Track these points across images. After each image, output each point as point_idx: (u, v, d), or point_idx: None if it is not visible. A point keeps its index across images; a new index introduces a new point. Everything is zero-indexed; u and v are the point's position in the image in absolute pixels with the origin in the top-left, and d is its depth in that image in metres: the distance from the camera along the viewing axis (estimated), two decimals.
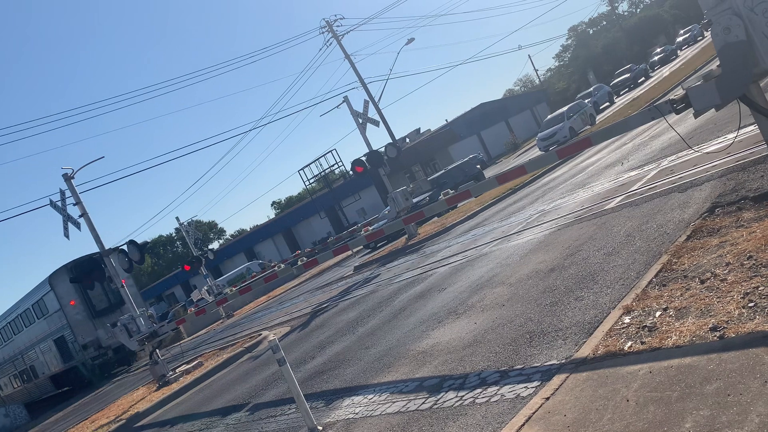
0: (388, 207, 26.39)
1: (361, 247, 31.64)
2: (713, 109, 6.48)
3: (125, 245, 17.32)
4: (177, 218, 42.87)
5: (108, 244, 17.74)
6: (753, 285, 5.31)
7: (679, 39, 63.17)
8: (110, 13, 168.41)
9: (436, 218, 27.53)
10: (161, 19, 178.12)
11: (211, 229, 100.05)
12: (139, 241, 17.58)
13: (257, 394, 10.96)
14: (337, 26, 35.85)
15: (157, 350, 17.78)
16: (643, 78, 52.32)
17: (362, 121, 26.28)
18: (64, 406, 30.80)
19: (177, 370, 17.70)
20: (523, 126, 71.16)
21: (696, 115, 6.35)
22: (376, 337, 10.70)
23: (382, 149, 26.17)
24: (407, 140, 57.23)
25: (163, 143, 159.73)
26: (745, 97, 5.96)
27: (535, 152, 38.48)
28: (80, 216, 17.73)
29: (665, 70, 48.55)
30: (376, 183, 49.14)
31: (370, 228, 22.00)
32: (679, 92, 6.47)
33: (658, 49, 61.54)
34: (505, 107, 71.51)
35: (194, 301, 37.78)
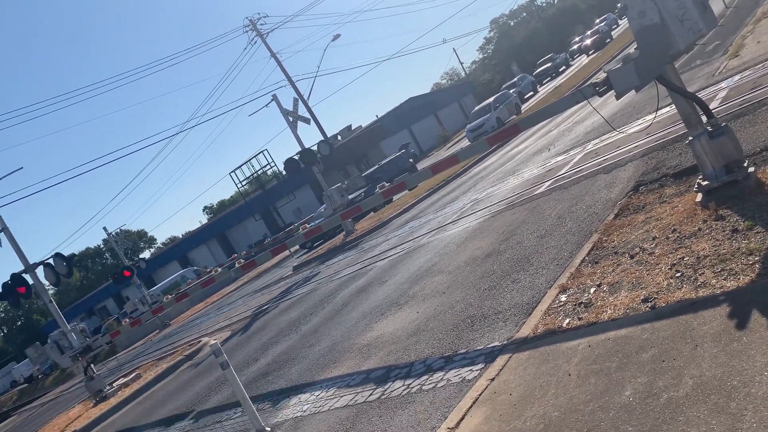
0: (324, 205, 26.30)
1: (298, 247, 31.40)
2: (633, 93, 6.74)
3: (51, 258, 16.60)
4: (104, 228, 41.46)
5: (32, 259, 16.96)
6: (678, 256, 5.57)
7: (600, 25, 65.34)
8: (23, 17, 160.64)
9: (372, 213, 27.61)
10: (77, 23, 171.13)
11: (140, 238, 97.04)
12: (66, 254, 16.88)
13: (201, 402, 10.73)
14: (261, 24, 35.37)
15: (92, 365, 17.13)
16: (564, 67, 53.93)
17: (293, 119, 26.06)
18: None
19: (114, 384, 17.12)
20: (452, 118, 72.12)
21: (617, 97, 6.58)
22: (319, 335, 10.64)
23: (315, 147, 26.03)
24: (339, 137, 57.00)
25: (85, 150, 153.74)
26: (662, 78, 6.22)
27: (465, 143, 39.09)
28: (0, 231, 16.87)
29: (584, 59, 50.20)
30: (311, 181, 48.80)
31: (308, 226, 21.84)
32: (601, 75, 6.70)
33: (578, 38, 63.50)
34: (434, 101, 72.28)
35: (128, 312, 36.60)
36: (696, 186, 6.58)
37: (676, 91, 6.28)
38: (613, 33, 52.80)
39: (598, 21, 66.70)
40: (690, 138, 6.41)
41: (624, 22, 55.16)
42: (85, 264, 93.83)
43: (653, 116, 8.72)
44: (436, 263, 10.90)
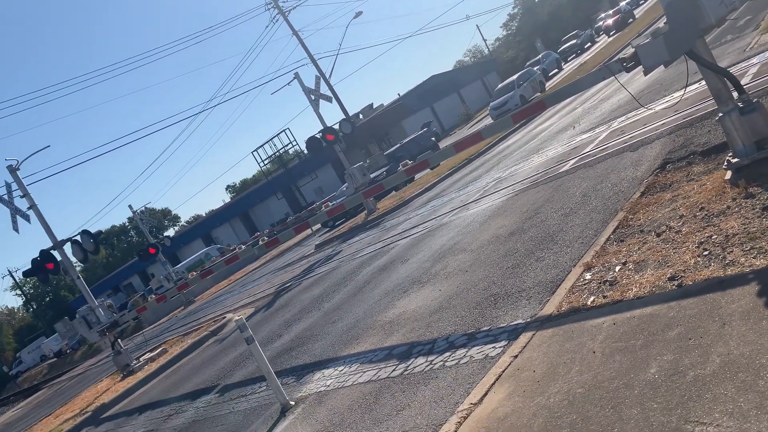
0: (346, 184, 26.33)
1: (320, 226, 31.55)
2: (660, 69, 6.62)
3: (78, 236, 16.89)
4: (130, 206, 41.94)
5: (60, 236, 17.27)
6: (706, 234, 5.49)
7: (622, 4, 64.08)
8: None
9: (394, 192, 27.60)
10: (99, 2, 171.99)
11: (165, 216, 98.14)
12: (92, 231, 17.17)
13: (226, 376, 10.90)
14: (283, 2, 35.25)
15: (119, 340, 17.48)
16: (589, 43, 53.00)
17: (314, 97, 26.03)
18: (24, 404, 30.09)
19: (141, 359, 17.45)
20: (475, 96, 71.49)
21: (645, 73, 6.47)
22: (342, 311, 10.72)
23: (337, 125, 25.99)
24: (360, 116, 56.90)
25: (110, 129, 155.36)
26: (692, 53, 6.09)
27: (488, 122, 38.74)
28: (29, 208, 17.20)
29: (606, 39, 49.23)
30: (332, 161, 48.85)
31: (330, 204, 21.94)
32: (629, 51, 6.58)
33: (602, 14, 62.32)
34: (456, 78, 71.66)
35: (153, 289, 37.17)
36: (725, 163, 6.46)
37: (707, 66, 6.15)
38: (636, 12, 51.27)
39: None
40: (720, 114, 6.29)
41: None
42: (110, 242, 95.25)
43: (682, 92, 8.54)
44: (459, 242, 10.88)
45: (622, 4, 54.01)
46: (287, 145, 50.70)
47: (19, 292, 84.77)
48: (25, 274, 17.29)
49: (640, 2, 58.50)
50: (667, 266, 5.35)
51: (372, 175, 27.12)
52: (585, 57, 44.13)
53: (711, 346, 3.89)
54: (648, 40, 6.24)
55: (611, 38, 45.12)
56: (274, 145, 49.37)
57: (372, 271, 12.68)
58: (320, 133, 25.03)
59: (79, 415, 14.66)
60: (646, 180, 8.20)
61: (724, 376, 3.54)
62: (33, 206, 17.22)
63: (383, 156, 34.04)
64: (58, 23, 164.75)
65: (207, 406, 9.65)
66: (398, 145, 36.39)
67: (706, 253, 5.18)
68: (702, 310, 4.36)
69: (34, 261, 16.57)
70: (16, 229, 17.26)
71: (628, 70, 6.61)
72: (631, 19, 46.98)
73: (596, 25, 59.27)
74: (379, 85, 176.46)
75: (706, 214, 5.92)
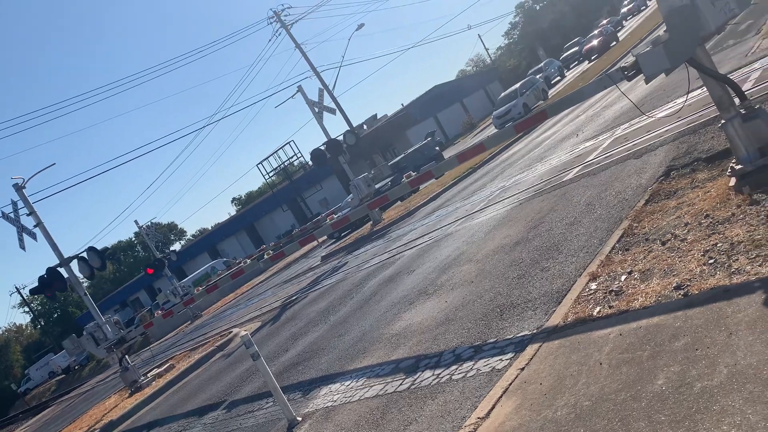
0: (351, 195, 26.38)
1: (326, 237, 31.56)
2: (662, 76, 6.61)
3: (85, 252, 16.93)
4: (136, 221, 42.07)
5: (67, 253, 17.31)
6: (711, 242, 5.46)
7: (624, 10, 64.18)
8: (50, 16, 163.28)
9: (399, 202, 27.60)
10: (103, 19, 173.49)
11: (171, 231, 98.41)
12: (99, 247, 17.20)
13: (233, 392, 10.88)
14: (285, 15, 35.38)
15: (127, 356, 17.48)
16: None
17: (318, 110, 26.12)
18: (32, 421, 30.09)
19: (149, 375, 17.44)
20: (478, 105, 71.64)
21: (647, 81, 6.46)
22: (348, 324, 10.70)
23: (341, 137, 26.06)
24: (364, 127, 57.06)
25: (115, 146, 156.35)
26: (693, 60, 6.08)
27: (492, 130, 38.74)
28: (35, 226, 17.26)
29: (585, 65, 48.85)
30: (337, 172, 48.92)
31: (335, 216, 21.95)
32: (630, 59, 6.58)
33: (604, 21, 62.39)
34: (459, 88, 71.82)
35: (160, 304, 37.21)
36: (729, 170, 6.44)
37: (708, 74, 6.14)
38: (627, 24, 48.31)
39: (626, 2, 65.47)
40: (722, 121, 6.27)
41: (652, 4, 53.52)
42: (117, 257, 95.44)
43: (684, 99, 8.54)
44: (464, 252, 10.86)
45: (606, 24, 51.29)
46: (292, 157, 50.90)
47: (26, 309, 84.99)
48: (32, 291, 17.35)
49: (642, 7, 58.50)
50: (673, 275, 5.32)
51: (377, 186, 27.15)
52: (587, 64, 44.10)
53: (718, 356, 3.86)
54: (648, 48, 6.24)
55: (592, 63, 42.21)
56: (279, 157, 49.60)
57: (378, 283, 12.66)
58: (324, 145, 25.10)
59: None
60: (651, 187, 8.18)
61: (731, 388, 3.51)
62: (39, 224, 17.28)
63: (387, 166, 34.07)
64: (61, 42, 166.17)
65: (214, 422, 9.62)
66: (402, 155, 36.45)
67: (711, 261, 5.15)
68: (708, 320, 4.33)
69: (41, 278, 16.61)
70: (22, 246, 17.34)
71: (629, 79, 6.62)
72: (614, 42, 44.31)
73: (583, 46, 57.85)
74: (382, 96, 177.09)
75: (711, 222, 5.89)
